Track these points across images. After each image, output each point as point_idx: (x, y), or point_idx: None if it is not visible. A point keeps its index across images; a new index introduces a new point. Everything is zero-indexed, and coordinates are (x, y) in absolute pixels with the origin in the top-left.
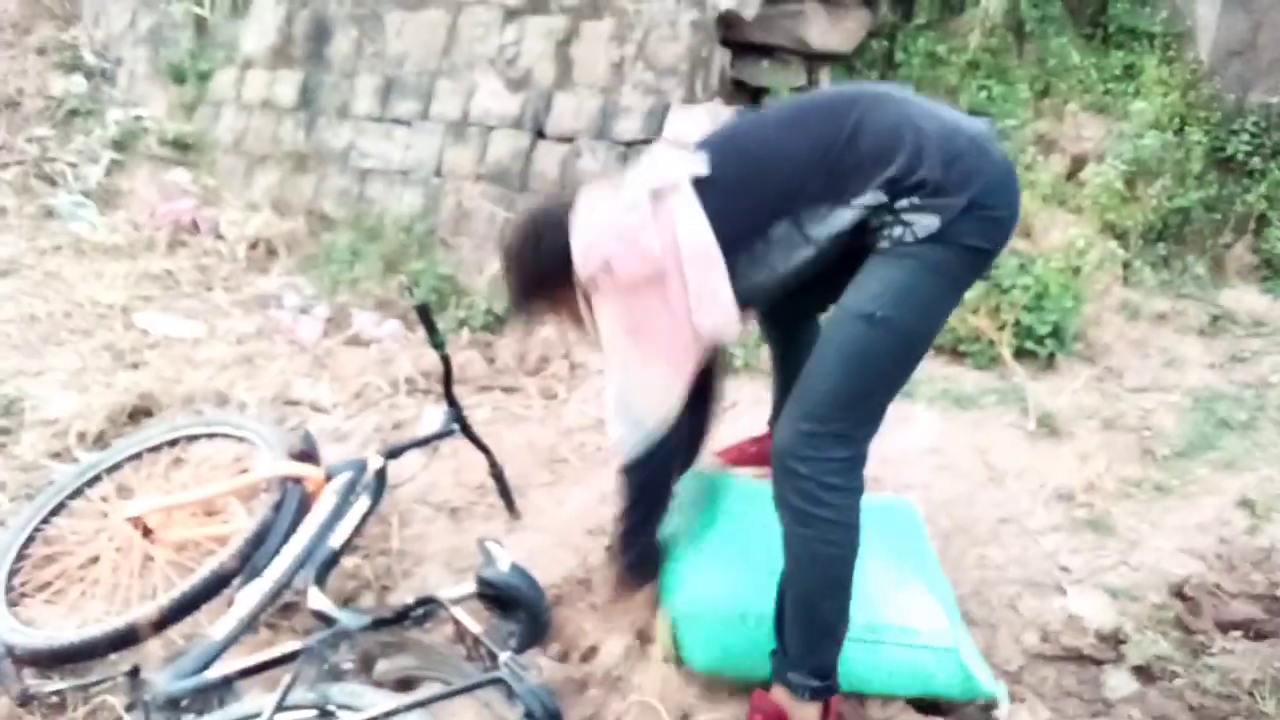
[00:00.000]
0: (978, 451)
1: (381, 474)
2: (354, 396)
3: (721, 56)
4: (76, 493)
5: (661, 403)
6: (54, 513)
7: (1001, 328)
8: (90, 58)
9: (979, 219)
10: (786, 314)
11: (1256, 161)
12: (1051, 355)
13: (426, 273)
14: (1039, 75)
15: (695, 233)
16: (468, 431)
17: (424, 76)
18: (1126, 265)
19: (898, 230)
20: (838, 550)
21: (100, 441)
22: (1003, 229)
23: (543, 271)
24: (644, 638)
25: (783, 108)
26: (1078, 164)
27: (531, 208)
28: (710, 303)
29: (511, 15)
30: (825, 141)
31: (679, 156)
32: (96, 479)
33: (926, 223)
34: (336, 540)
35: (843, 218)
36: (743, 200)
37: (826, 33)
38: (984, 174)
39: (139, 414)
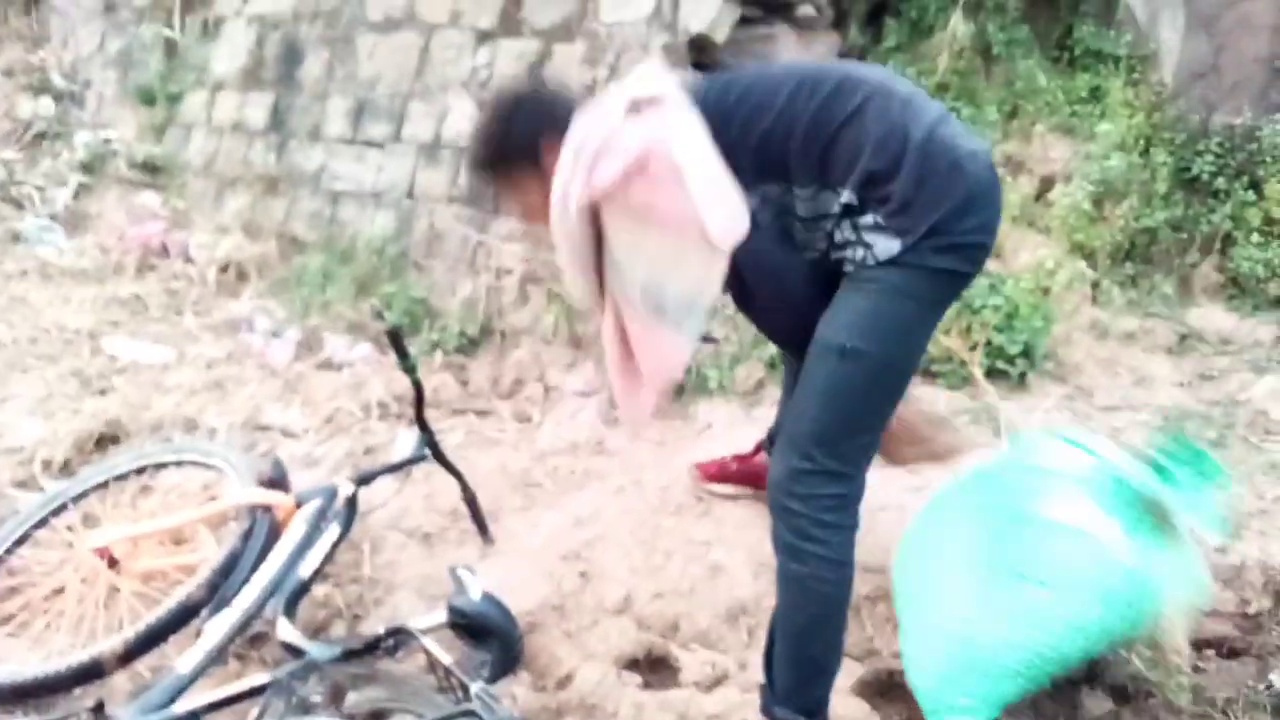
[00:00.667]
0: (952, 472)
1: (352, 501)
2: (325, 421)
3: None
4: (42, 522)
5: (698, 280)
6: (19, 543)
7: (973, 348)
8: (59, 80)
9: (944, 244)
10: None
11: (1221, 182)
12: (1023, 375)
13: (399, 295)
14: (1007, 97)
15: (690, 135)
16: (440, 457)
17: (396, 99)
18: (1095, 285)
19: (860, 252)
20: (831, 588)
21: (66, 469)
22: (972, 253)
23: (507, 148)
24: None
25: (791, 67)
26: (1046, 185)
27: (522, 88)
28: (716, 197)
29: (484, 38)
30: (827, 115)
31: (667, 71)
32: (62, 508)
33: (886, 245)
34: (306, 569)
35: (825, 204)
36: (736, 137)
37: (797, 56)
38: (953, 198)
39: (106, 441)
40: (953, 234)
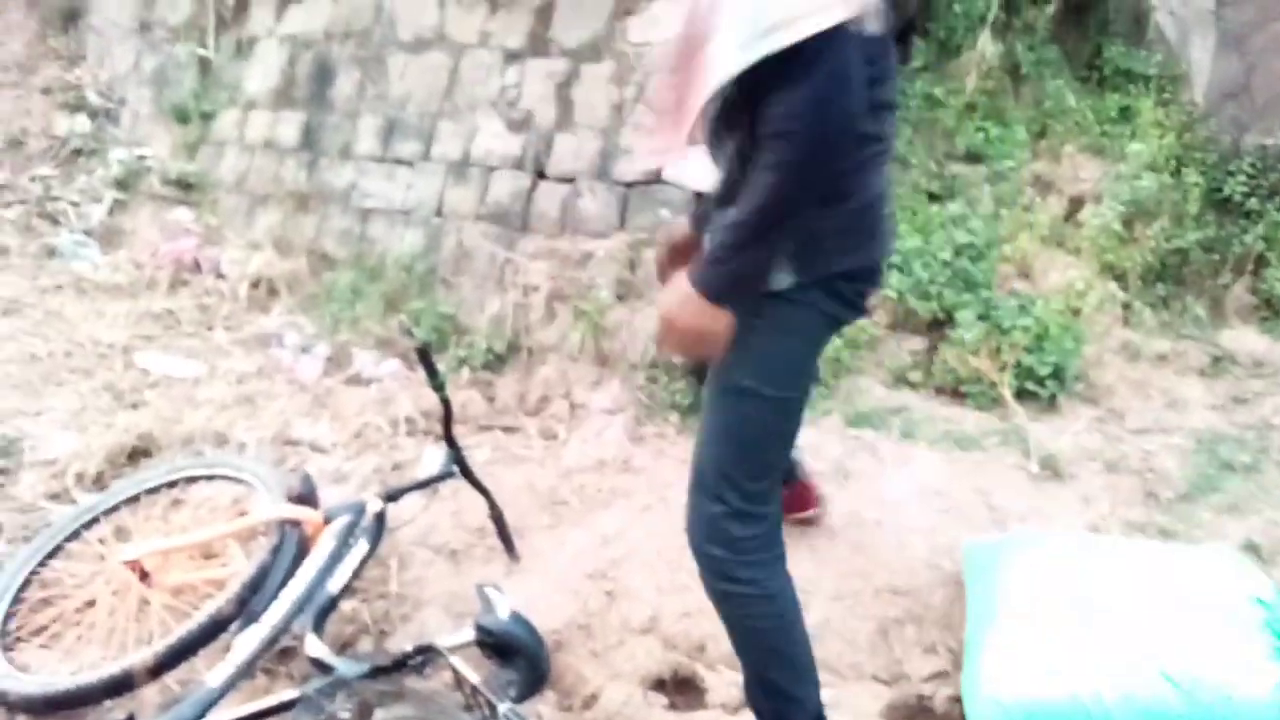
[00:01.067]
0: (980, 494)
1: (380, 517)
2: (354, 436)
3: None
4: (74, 535)
5: (798, 10)
6: (51, 555)
7: (1002, 369)
8: (94, 98)
9: (837, 291)
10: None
11: (1253, 202)
12: (1053, 396)
13: (427, 312)
14: (1036, 117)
15: None
16: (467, 473)
17: (426, 118)
18: (1126, 306)
19: None
20: (769, 622)
21: (99, 482)
22: (856, 310)
23: None
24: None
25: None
26: (1076, 205)
27: None
28: None
29: (512, 58)
30: (858, 108)
31: None
32: (94, 521)
33: (782, 276)
34: (335, 585)
35: None
36: None
37: None
38: (863, 260)
39: (138, 454)
40: (848, 290)
